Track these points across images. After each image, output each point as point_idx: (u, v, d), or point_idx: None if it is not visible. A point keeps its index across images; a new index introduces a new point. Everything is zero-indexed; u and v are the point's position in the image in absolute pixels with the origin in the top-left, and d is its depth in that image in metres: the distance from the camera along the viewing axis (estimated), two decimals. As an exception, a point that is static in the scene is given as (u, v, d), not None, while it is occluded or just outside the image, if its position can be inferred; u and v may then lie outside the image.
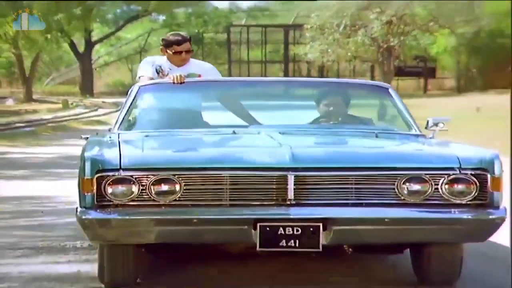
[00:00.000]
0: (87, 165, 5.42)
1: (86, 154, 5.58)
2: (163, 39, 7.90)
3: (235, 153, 5.85)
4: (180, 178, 5.42)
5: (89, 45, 47.80)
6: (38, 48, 44.25)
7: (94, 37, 47.63)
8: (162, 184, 5.41)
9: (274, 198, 5.46)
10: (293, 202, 5.41)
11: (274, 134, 6.27)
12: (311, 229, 5.43)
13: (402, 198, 5.48)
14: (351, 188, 5.48)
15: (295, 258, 6.57)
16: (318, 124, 7.13)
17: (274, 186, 5.46)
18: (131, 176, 5.41)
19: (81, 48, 47.53)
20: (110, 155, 5.56)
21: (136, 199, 5.41)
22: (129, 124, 6.90)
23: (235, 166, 5.48)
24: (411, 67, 51.47)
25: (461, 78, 48.82)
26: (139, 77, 7.57)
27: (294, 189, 5.39)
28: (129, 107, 6.97)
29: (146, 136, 6.54)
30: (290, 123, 7.13)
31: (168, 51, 7.58)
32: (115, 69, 47.04)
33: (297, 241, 5.44)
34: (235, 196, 5.47)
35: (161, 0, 42.52)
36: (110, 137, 6.53)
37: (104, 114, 33.15)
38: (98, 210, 5.40)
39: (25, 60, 46.14)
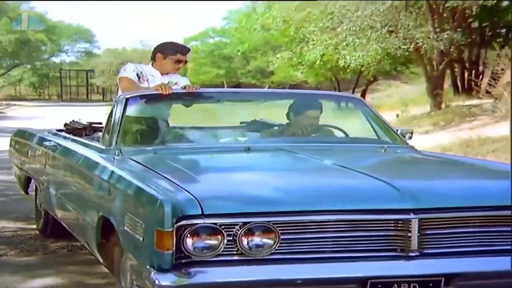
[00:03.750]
0: (167, 212, 2.63)
1: (156, 196, 2.75)
2: (162, 44, 4.74)
3: (338, 191, 3.03)
4: (276, 225, 2.75)
5: (-6, 78, 49.60)
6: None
7: (-3, 74, 49.10)
8: (256, 234, 2.77)
9: (391, 248, 2.85)
10: (417, 253, 2.85)
11: (311, 154, 3.64)
12: (431, 284, 2.87)
13: None
14: (475, 232, 2.95)
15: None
16: (305, 138, 4.29)
17: (391, 233, 2.83)
18: (216, 224, 2.71)
19: (-10, 79, 49.12)
20: (182, 195, 2.74)
21: (222, 253, 2.75)
22: (128, 140, 3.98)
23: (342, 208, 2.84)
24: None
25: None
26: (120, 78, 4.60)
27: (418, 236, 2.80)
28: (121, 120, 4.01)
29: (167, 156, 3.71)
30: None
31: (167, 57, 4.65)
32: (7, 89, 53.50)
33: None
34: (340, 247, 2.85)
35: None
36: (117, 156, 3.67)
37: (2, 108, 36.49)
38: (177, 272, 2.70)
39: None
